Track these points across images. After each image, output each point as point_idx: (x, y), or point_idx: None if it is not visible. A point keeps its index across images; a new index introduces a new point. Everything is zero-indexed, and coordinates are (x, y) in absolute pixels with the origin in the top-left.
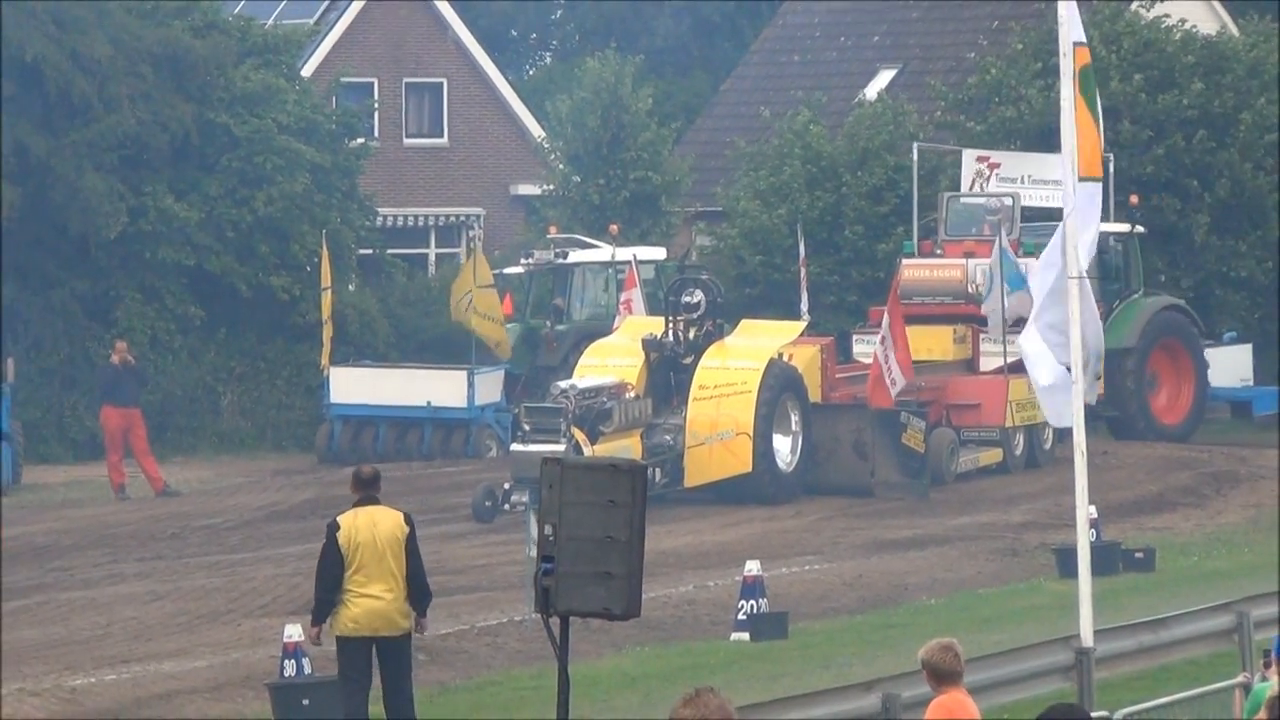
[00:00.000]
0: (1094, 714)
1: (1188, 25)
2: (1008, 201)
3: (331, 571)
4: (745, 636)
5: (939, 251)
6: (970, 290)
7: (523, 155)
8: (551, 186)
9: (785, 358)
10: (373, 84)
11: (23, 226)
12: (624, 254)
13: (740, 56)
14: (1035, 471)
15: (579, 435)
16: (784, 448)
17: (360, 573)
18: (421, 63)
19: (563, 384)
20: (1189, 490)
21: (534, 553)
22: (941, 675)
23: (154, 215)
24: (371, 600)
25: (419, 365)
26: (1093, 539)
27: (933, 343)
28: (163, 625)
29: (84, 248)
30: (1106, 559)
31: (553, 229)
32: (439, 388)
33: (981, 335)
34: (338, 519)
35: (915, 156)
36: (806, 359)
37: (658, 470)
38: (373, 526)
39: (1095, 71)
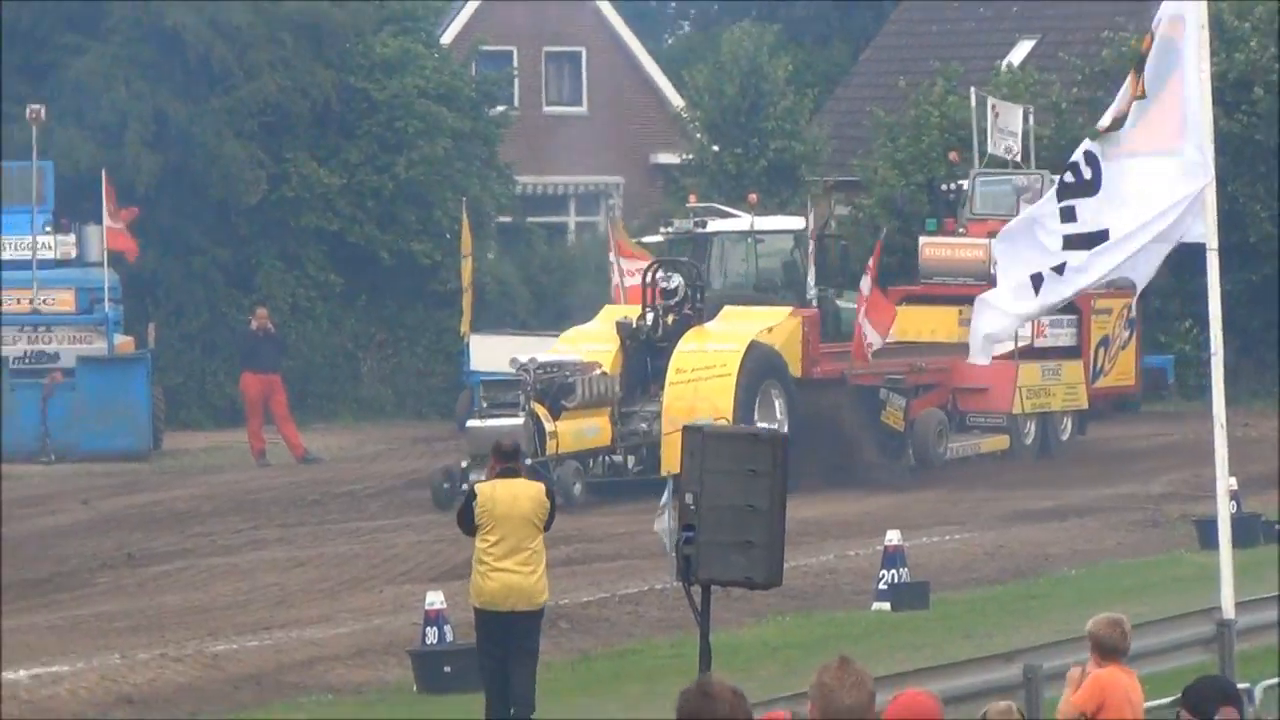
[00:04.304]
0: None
1: None
2: (1037, 179)
3: (466, 530)
4: (886, 606)
5: (962, 230)
6: (993, 271)
7: (662, 124)
8: (690, 155)
9: (766, 331)
10: (512, 52)
11: (164, 194)
12: (763, 223)
13: (879, 26)
14: (1177, 443)
15: (540, 409)
16: None
17: (498, 546)
18: (561, 32)
19: (522, 358)
20: None
21: (669, 523)
22: (1106, 650)
23: (295, 182)
24: (508, 574)
25: (558, 333)
26: (1233, 511)
27: (936, 324)
28: (304, 591)
29: (225, 215)
30: (1247, 531)
31: (691, 198)
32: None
33: None
34: (476, 486)
35: (974, 104)
36: (786, 333)
37: (631, 457)
38: (513, 500)
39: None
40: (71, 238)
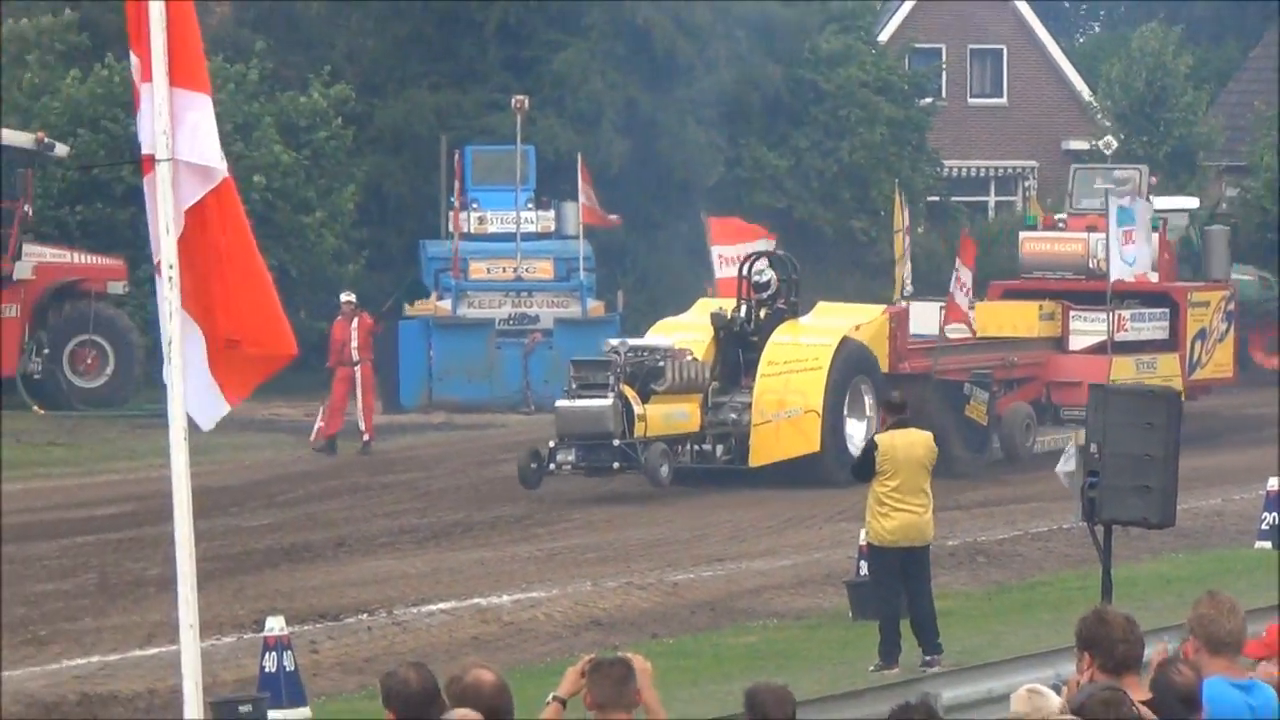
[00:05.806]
0: None
1: None
2: (1135, 174)
3: (862, 477)
4: (1268, 545)
5: (1061, 225)
6: (1092, 265)
7: (1073, 114)
8: (1099, 142)
9: (855, 329)
10: (941, 49)
11: (631, 175)
12: (1160, 202)
13: (1268, 26)
14: None
15: (629, 392)
16: (857, 433)
17: (899, 489)
18: (984, 31)
19: (613, 340)
20: None
21: (1069, 467)
22: None
23: (748, 164)
24: (908, 514)
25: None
26: None
27: (1018, 319)
28: (753, 528)
29: (686, 193)
30: None
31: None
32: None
33: (1072, 313)
34: (876, 438)
35: None
36: (874, 329)
37: (719, 446)
38: (909, 446)
39: None
40: (551, 213)
